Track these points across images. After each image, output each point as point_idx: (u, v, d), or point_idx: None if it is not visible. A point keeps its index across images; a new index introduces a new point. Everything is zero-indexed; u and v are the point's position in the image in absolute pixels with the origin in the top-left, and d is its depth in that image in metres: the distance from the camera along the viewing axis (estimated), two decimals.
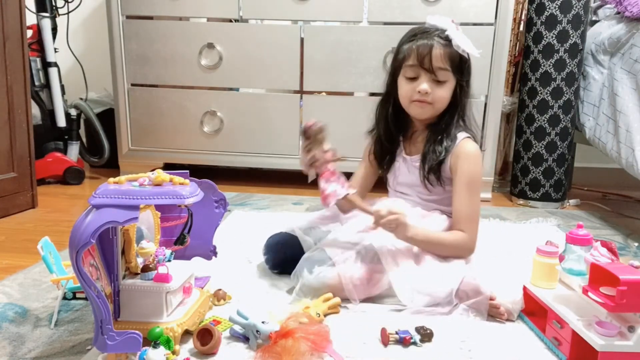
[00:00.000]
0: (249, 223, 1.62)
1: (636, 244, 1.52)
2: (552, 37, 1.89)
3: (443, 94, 1.12)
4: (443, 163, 1.14)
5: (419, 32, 1.13)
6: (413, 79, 1.12)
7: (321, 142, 1.07)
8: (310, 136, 1.07)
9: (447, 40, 1.11)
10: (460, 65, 1.13)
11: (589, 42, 1.94)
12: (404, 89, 1.14)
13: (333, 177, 1.09)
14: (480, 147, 2.00)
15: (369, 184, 1.30)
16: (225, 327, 0.92)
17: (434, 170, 1.15)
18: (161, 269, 0.85)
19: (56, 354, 0.84)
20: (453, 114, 1.16)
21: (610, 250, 0.89)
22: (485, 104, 1.99)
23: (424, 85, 1.10)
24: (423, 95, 1.11)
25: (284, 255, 1.17)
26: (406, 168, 1.21)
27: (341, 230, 1.17)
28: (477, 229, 1.11)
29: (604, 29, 1.88)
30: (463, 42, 1.11)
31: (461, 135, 1.16)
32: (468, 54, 1.12)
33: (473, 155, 1.14)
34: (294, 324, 0.84)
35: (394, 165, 1.24)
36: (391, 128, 1.21)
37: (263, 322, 0.85)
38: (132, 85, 2.13)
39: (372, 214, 1.06)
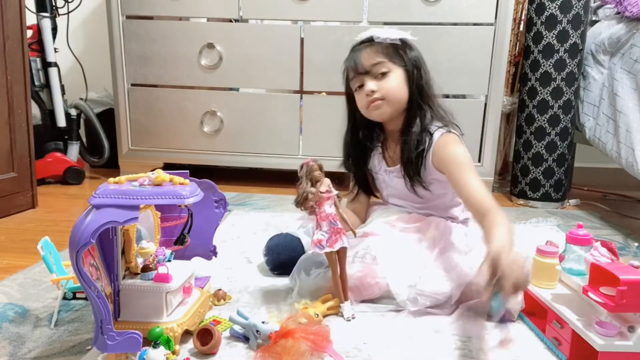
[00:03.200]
0: (249, 223, 1.62)
1: (636, 244, 1.52)
2: (552, 37, 1.89)
3: (390, 84, 1.11)
4: (423, 165, 1.12)
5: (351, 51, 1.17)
6: (360, 87, 1.14)
7: (315, 181, 0.98)
8: (302, 175, 0.98)
9: (372, 40, 1.13)
10: (398, 53, 1.13)
11: (589, 42, 1.94)
12: (358, 100, 1.16)
13: (324, 221, 0.99)
14: (480, 146, 2.01)
15: (363, 213, 1.28)
16: (225, 327, 0.92)
17: (416, 173, 1.13)
18: (161, 269, 0.85)
19: (56, 354, 0.84)
20: (412, 107, 1.14)
21: (610, 250, 0.89)
22: (485, 104, 1.99)
23: (368, 85, 1.11)
24: (372, 95, 1.11)
25: (285, 257, 1.17)
26: (390, 180, 1.21)
27: None
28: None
29: (604, 29, 1.88)
30: (383, 32, 1.12)
31: (438, 132, 1.12)
32: (401, 39, 1.13)
33: (450, 139, 1.11)
34: (294, 324, 0.85)
35: (379, 179, 1.25)
36: (359, 148, 1.22)
37: (263, 322, 0.86)
38: (132, 85, 2.13)
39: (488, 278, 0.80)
